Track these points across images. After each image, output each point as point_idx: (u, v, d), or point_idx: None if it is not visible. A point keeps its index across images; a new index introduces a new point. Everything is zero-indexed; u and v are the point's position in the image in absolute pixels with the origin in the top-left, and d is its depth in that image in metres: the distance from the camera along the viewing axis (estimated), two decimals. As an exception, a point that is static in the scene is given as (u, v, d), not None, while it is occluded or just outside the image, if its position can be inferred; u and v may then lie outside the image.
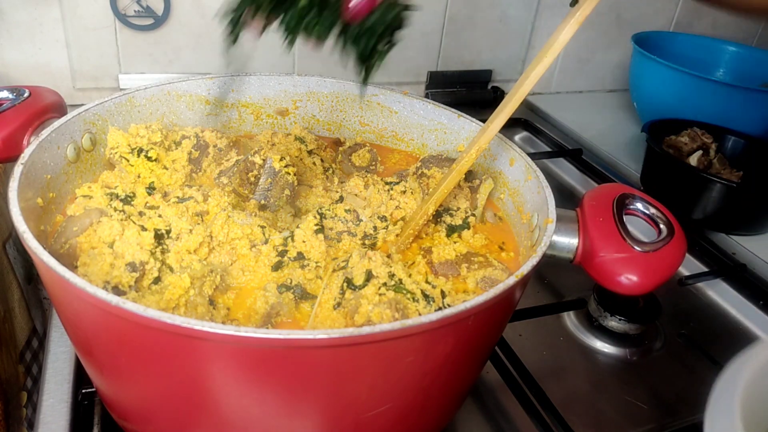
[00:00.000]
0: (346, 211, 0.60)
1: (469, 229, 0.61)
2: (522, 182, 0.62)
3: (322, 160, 0.69)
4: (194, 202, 0.56)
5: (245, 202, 0.61)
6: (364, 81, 0.53)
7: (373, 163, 0.73)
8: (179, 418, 0.47)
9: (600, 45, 1.38)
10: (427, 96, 1.22)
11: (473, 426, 0.62)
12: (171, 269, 0.50)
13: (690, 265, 0.88)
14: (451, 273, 0.56)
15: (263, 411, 0.43)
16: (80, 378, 0.59)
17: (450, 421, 0.61)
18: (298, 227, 0.56)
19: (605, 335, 0.74)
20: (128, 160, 0.61)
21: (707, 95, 1.08)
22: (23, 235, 0.43)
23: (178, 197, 0.57)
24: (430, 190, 0.63)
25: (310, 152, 0.69)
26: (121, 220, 0.52)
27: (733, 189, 0.90)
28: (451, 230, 0.61)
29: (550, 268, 0.83)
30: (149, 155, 0.61)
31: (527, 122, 1.24)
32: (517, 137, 1.24)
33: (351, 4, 0.47)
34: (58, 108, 0.62)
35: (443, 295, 0.50)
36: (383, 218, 0.61)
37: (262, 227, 0.55)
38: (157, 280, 0.49)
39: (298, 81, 0.75)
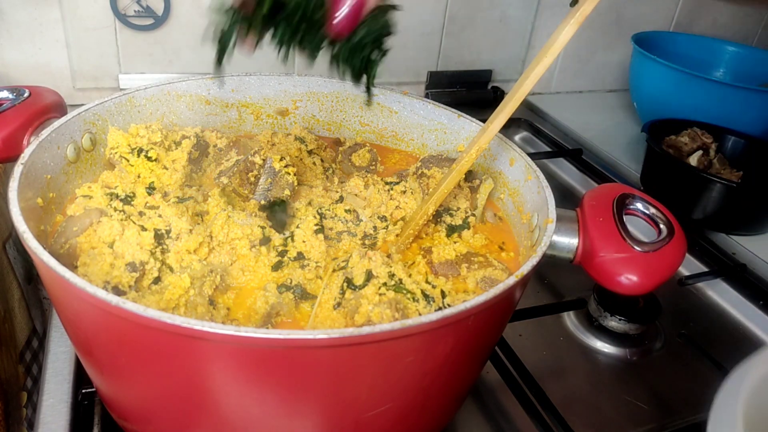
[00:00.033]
0: (346, 211, 0.60)
1: (469, 229, 0.61)
2: (522, 182, 0.62)
3: (322, 160, 0.69)
4: (194, 202, 0.56)
5: (245, 202, 0.61)
6: (368, 90, 0.53)
7: (373, 163, 0.73)
8: (179, 418, 0.47)
9: (600, 45, 1.38)
10: (427, 96, 1.22)
11: (473, 426, 0.62)
12: (171, 269, 0.50)
13: (690, 265, 0.88)
14: (451, 273, 0.56)
15: (263, 411, 0.43)
16: (80, 378, 0.59)
17: (450, 421, 0.61)
18: (298, 227, 0.56)
19: (605, 335, 0.74)
20: (128, 160, 0.61)
21: (707, 95, 1.08)
22: (23, 235, 0.43)
23: (178, 197, 0.57)
24: (430, 190, 0.63)
25: (310, 152, 0.69)
26: (121, 220, 0.52)
27: (733, 189, 0.90)
28: (451, 230, 0.61)
29: (550, 268, 0.83)
30: (149, 155, 0.61)
31: (527, 122, 1.25)
32: (517, 137, 1.24)
33: (334, 22, 0.46)
34: (58, 108, 0.62)
35: (443, 295, 0.50)
36: (383, 218, 0.61)
37: (262, 227, 0.55)
38: (157, 280, 0.49)
39: (298, 81, 0.75)
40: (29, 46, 0.96)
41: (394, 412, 0.46)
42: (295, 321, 0.49)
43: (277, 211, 0.58)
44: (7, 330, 0.70)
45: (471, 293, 0.54)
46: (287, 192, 0.61)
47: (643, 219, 0.55)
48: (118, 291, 0.47)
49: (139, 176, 0.61)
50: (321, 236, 0.55)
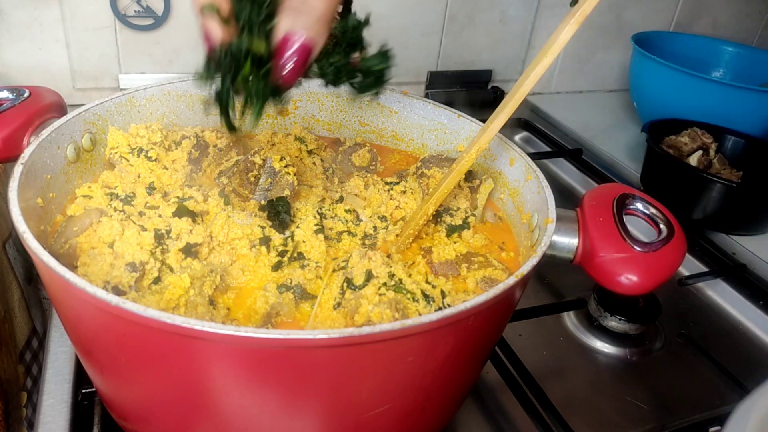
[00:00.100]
0: (346, 211, 0.60)
1: (469, 229, 0.61)
2: (522, 182, 0.62)
3: (322, 160, 0.69)
4: (194, 202, 0.56)
5: (245, 202, 0.61)
6: (376, 93, 0.53)
7: (373, 163, 0.73)
8: (179, 418, 0.47)
9: (600, 45, 1.38)
10: (427, 96, 1.22)
11: (473, 426, 0.62)
12: (171, 269, 0.50)
13: (690, 265, 0.88)
14: (451, 273, 0.56)
15: (263, 411, 0.43)
16: (80, 378, 0.59)
17: (450, 421, 0.61)
18: (298, 227, 0.56)
19: (605, 335, 0.74)
20: (128, 160, 0.61)
21: (707, 95, 1.08)
22: (23, 235, 0.43)
23: (178, 197, 0.57)
24: (430, 190, 0.63)
25: (310, 152, 0.69)
26: (121, 220, 0.52)
27: (733, 189, 0.90)
28: (451, 230, 0.61)
29: (550, 268, 0.83)
30: (149, 155, 0.61)
31: (527, 122, 1.25)
32: (517, 137, 1.24)
33: (283, 74, 0.45)
34: (58, 108, 0.62)
35: (443, 295, 0.50)
36: (383, 218, 0.61)
37: (262, 227, 0.55)
38: (157, 280, 0.49)
39: (298, 81, 0.75)
40: (29, 46, 0.96)
41: (394, 412, 0.46)
42: (295, 321, 0.49)
43: (279, 211, 0.58)
44: (7, 330, 0.70)
45: (471, 293, 0.54)
46: (287, 192, 0.61)
47: (643, 219, 0.55)
48: (118, 291, 0.47)
49: (139, 176, 0.61)
50: (321, 236, 0.55)
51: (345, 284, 0.50)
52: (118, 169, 0.61)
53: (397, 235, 0.59)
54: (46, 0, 0.93)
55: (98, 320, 0.42)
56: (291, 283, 0.51)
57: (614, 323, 0.74)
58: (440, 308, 0.48)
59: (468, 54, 1.27)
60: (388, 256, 0.55)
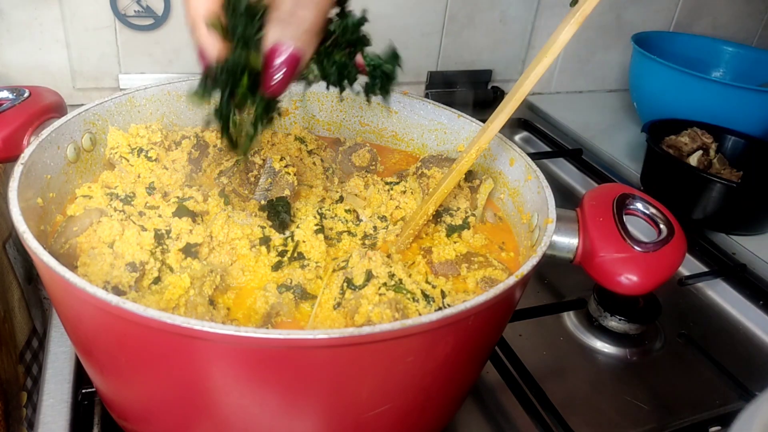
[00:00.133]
0: (346, 211, 0.60)
1: (469, 229, 0.61)
2: (522, 182, 0.62)
3: (322, 160, 0.69)
4: (194, 202, 0.56)
5: (245, 202, 0.61)
6: (386, 92, 0.53)
7: (373, 163, 0.73)
8: (179, 418, 0.47)
9: (600, 45, 1.38)
10: (427, 96, 1.22)
11: (473, 426, 0.62)
12: (171, 269, 0.50)
13: (690, 265, 0.88)
14: (451, 273, 0.56)
15: (263, 411, 0.43)
16: (80, 378, 0.59)
17: (450, 421, 0.61)
18: (298, 227, 0.56)
19: (605, 335, 0.74)
20: (128, 160, 0.61)
21: (707, 95, 1.08)
22: (23, 235, 0.43)
23: (178, 197, 0.57)
24: (430, 190, 0.63)
25: (310, 152, 0.69)
26: (121, 220, 0.52)
27: (733, 189, 0.90)
28: (451, 230, 0.61)
29: (550, 268, 0.83)
30: (149, 155, 0.61)
31: (527, 122, 1.25)
32: (517, 137, 1.24)
33: (271, 84, 0.45)
34: (58, 108, 0.62)
35: (443, 295, 0.50)
36: (383, 218, 0.61)
37: (262, 227, 0.55)
38: (157, 280, 0.49)
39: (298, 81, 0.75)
40: (29, 46, 0.96)
41: (394, 412, 0.46)
42: (295, 321, 0.49)
43: (279, 211, 0.58)
44: (7, 330, 0.70)
45: (471, 293, 0.54)
46: (287, 192, 0.61)
47: (643, 219, 0.55)
48: (118, 291, 0.47)
49: (139, 176, 0.61)
50: (321, 236, 0.55)
51: (345, 284, 0.50)
52: (118, 169, 0.61)
53: (397, 235, 0.60)
54: (46, 0, 0.93)
55: (98, 320, 0.42)
56: (291, 283, 0.51)
57: (614, 323, 0.74)
58: (440, 308, 0.48)
59: (468, 54, 1.27)
60: (388, 256, 0.55)
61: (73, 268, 0.48)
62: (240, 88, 0.46)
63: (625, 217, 0.53)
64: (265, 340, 0.36)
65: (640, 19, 1.37)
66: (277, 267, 0.53)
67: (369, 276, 0.50)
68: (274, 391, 0.42)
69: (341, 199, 0.63)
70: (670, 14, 1.42)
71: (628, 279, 0.49)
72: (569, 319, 0.76)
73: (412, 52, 1.21)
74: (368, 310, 0.46)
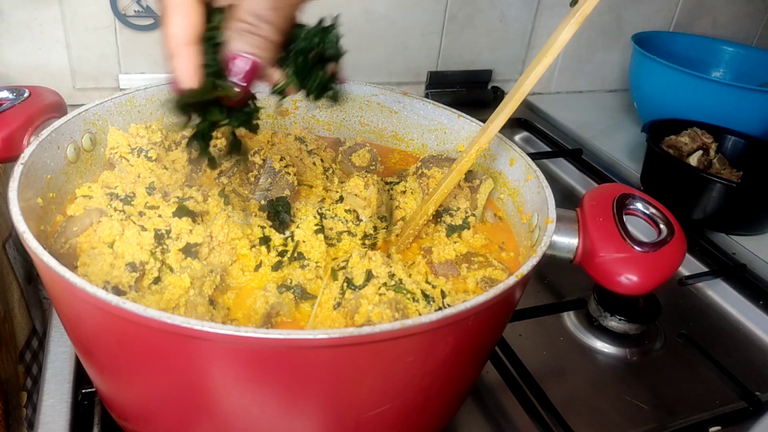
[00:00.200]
0: (346, 211, 0.60)
1: (469, 229, 0.61)
2: (522, 182, 0.62)
3: (322, 160, 0.69)
4: (194, 202, 0.56)
5: (245, 202, 0.61)
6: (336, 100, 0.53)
7: (373, 163, 0.73)
8: (179, 418, 0.47)
9: (600, 45, 1.38)
10: (427, 96, 1.22)
11: (473, 426, 0.62)
12: (171, 269, 0.50)
13: (690, 265, 0.88)
14: (451, 273, 0.56)
15: (263, 411, 0.43)
16: (80, 378, 0.59)
17: (450, 421, 0.61)
18: (298, 227, 0.56)
19: (605, 335, 0.74)
20: (128, 160, 0.61)
21: (707, 95, 1.08)
22: (23, 235, 0.43)
23: (178, 197, 0.57)
24: (430, 190, 0.63)
25: (310, 152, 0.69)
26: (121, 220, 0.52)
27: (733, 189, 0.90)
28: (451, 230, 0.61)
29: (550, 268, 0.83)
30: (149, 155, 0.61)
31: (527, 122, 1.25)
32: (517, 137, 1.24)
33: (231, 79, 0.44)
34: (58, 108, 0.62)
35: (443, 295, 0.50)
36: (383, 218, 0.61)
37: (262, 227, 0.55)
38: (157, 280, 0.49)
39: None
40: (29, 46, 0.96)
41: (394, 412, 0.46)
42: (295, 321, 0.49)
43: (279, 211, 0.58)
44: (7, 330, 0.70)
45: (471, 293, 0.54)
46: (287, 192, 0.61)
47: (643, 219, 0.55)
48: (118, 291, 0.47)
49: (139, 176, 0.61)
50: (321, 236, 0.55)
51: (345, 284, 0.50)
52: (118, 169, 0.61)
53: (397, 235, 0.59)
54: (46, 0, 0.93)
55: (98, 320, 0.42)
56: (291, 283, 0.51)
57: (614, 323, 0.74)
58: (440, 308, 0.48)
59: (468, 54, 1.27)
60: (388, 256, 0.55)
61: (73, 268, 0.48)
62: (211, 115, 0.47)
63: (625, 217, 0.53)
64: (265, 340, 0.36)
65: (640, 19, 1.38)
66: (277, 267, 0.53)
67: (369, 276, 0.50)
68: (274, 391, 0.42)
69: (341, 199, 0.63)
70: (670, 14, 1.42)
71: (628, 279, 0.49)
72: (569, 319, 0.76)
73: (412, 52, 1.21)
74: (368, 310, 0.46)
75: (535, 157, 1.10)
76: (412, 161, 0.74)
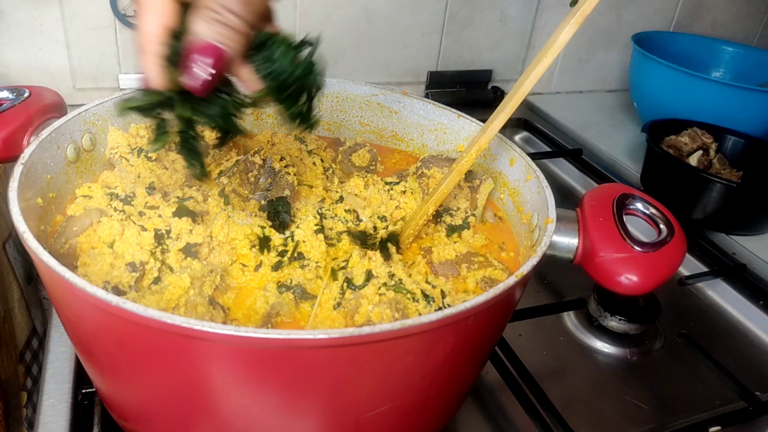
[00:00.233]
0: (346, 211, 0.60)
1: (469, 229, 0.61)
2: (522, 182, 0.62)
3: (322, 160, 0.69)
4: (194, 202, 0.56)
5: (245, 202, 0.61)
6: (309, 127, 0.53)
7: (373, 163, 0.73)
8: (179, 418, 0.47)
9: (600, 45, 1.38)
10: (427, 96, 1.22)
11: (473, 426, 0.62)
12: (171, 269, 0.50)
13: (690, 265, 0.88)
14: (451, 273, 0.56)
15: (263, 411, 0.43)
16: (80, 378, 0.59)
17: (450, 421, 0.61)
18: (298, 227, 0.56)
19: (605, 335, 0.74)
20: (128, 160, 0.61)
21: (707, 95, 1.08)
22: (23, 235, 0.43)
23: (178, 197, 0.57)
24: (430, 190, 0.63)
25: (310, 152, 0.69)
26: (121, 220, 0.52)
27: (733, 189, 0.90)
28: (451, 230, 0.61)
29: (550, 268, 0.83)
30: (149, 155, 0.61)
31: (527, 122, 1.25)
32: (517, 137, 1.24)
33: (190, 82, 0.44)
34: (58, 108, 0.62)
35: (443, 295, 0.50)
36: (383, 218, 0.61)
37: (262, 227, 0.55)
38: (157, 280, 0.49)
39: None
40: (29, 46, 0.96)
41: (394, 412, 0.46)
42: (295, 321, 0.49)
43: (279, 211, 0.58)
44: (7, 330, 0.70)
45: (471, 293, 0.54)
46: (287, 192, 0.61)
47: (643, 219, 0.55)
48: (118, 291, 0.47)
49: (139, 176, 0.61)
50: (321, 236, 0.55)
51: (345, 284, 0.50)
52: (118, 169, 0.61)
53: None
54: (46, 0, 0.93)
55: (98, 320, 0.42)
56: (291, 283, 0.51)
57: (614, 323, 0.74)
58: (440, 308, 0.48)
59: (468, 54, 1.27)
60: (388, 256, 0.55)
61: (73, 268, 0.48)
62: (178, 110, 0.46)
63: (625, 217, 0.53)
64: (265, 340, 0.36)
65: (640, 19, 1.38)
66: (277, 267, 0.53)
67: (369, 276, 0.50)
68: (274, 391, 0.42)
69: (341, 199, 0.63)
70: (670, 14, 1.42)
71: (628, 279, 0.49)
72: (569, 319, 0.76)
73: (412, 52, 1.21)
74: (368, 310, 0.46)
75: (535, 157, 1.10)
76: (412, 161, 0.74)
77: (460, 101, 1.26)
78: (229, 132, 0.53)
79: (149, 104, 0.46)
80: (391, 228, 0.59)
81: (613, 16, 1.35)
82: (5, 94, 0.60)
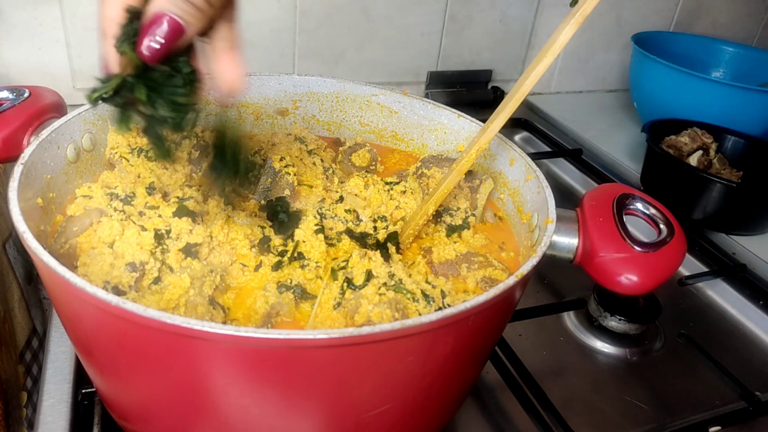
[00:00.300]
0: (346, 211, 0.60)
1: (469, 229, 0.61)
2: (522, 182, 0.62)
3: (322, 160, 0.69)
4: (194, 202, 0.56)
5: (245, 202, 0.61)
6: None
7: (373, 163, 0.73)
8: (179, 418, 0.47)
9: (600, 45, 1.38)
10: (427, 96, 1.22)
11: (473, 426, 0.62)
12: (171, 269, 0.50)
13: (690, 265, 0.88)
14: (451, 273, 0.56)
15: (263, 411, 0.43)
16: (80, 378, 0.59)
17: (450, 421, 0.61)
18: (298, 227, 0.56)
19: (605, 335, 0.74)
20: (128, 160, 0.61)
21: (707, 95, 1.08)
22: (23, 235, 0.43)
23: (178, 197, 0.57)
24: (430, 190, 0.63)
25: (310, 152, 0.69)
26: (121, 220, 0.52)
27: (733, 189, 0.90)
28: (451, 230, 0.61)
29: (550, 268, 0.83)
30: (149, 155, 0.61)
31: (527, 122, 1.25)
32: (517, 137, 1.24)
33: (142, 50, 0.44)
34: (58, 108, 0.62)
35: (443, 295, 0.50)
36: (383, 218, 0.61)
37: (262, 227, 0.55)
38: (157, 280, 0.49)
39: (298, 81, 0.75)
40: (29, 46, 0.96)
41: (394, 412, 0.46)
42: (295, 321, 0.49)
43: (279, 211, 0.58)
44: (7, 330, 0.70)
45: (471, 293, 0.54)
46: (287, 192, 0.61)
47: (643, 219, 0.55)
48: (118, 291, 0.47)
49: (139, 176, 0.61)
50: (321, 236, 0.55)
51: (345, 284, 0.50)
52: (118, 169, 0.61)
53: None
54: (46, 0, 0.93)
55: (98, 320, 0.42)
56: (291, 283, 0.51)
57: (614, 323, 0.74)
58: (440, 308, 0.48)
59: (468, 54, 1.27)
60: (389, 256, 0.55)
61: (73, 268, 0.48)
62: (139, 93, 0.46)
63: (625, 217, 0.53)
64: (265, 340, 0.36)
65: (640, 19, 1.38)
66: (277, 267, 0.53)
67: (369, 276, 0.50)
68: (274, 391, 0.42)
69: (341, 199, 0.63)
70: (670, 14, 1.42)
71: (628, 279, 0.49)
72: (569, 319, 0.76)
73: (412, 52, 1.21)
74: (368, 310, 0.46)
75: (535, 157, 1.10)
76: (412, 161, 0.74)
77: (460, 101, 1.26)
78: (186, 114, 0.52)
79: (111, 89, 0.47)
80: (391, 228, 0.59)
81: (613, 16, 1.35)
82: (5, 94, 0.60)
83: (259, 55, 1.05)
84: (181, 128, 0.49)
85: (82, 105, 0.61)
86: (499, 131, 0.58)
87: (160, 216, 0.54)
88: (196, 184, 0.63)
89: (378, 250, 0.54)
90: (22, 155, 0.52)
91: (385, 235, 0.58)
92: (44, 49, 0.97)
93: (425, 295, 0.49)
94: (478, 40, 1.25)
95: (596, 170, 1.07)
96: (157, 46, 0.43)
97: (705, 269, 0.87)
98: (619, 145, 1.20)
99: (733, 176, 1.00)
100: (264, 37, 1.05)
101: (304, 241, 0.54)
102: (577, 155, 1.11)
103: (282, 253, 0.54)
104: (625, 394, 0.68)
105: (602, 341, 0.74)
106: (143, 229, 0.51)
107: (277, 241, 0.55)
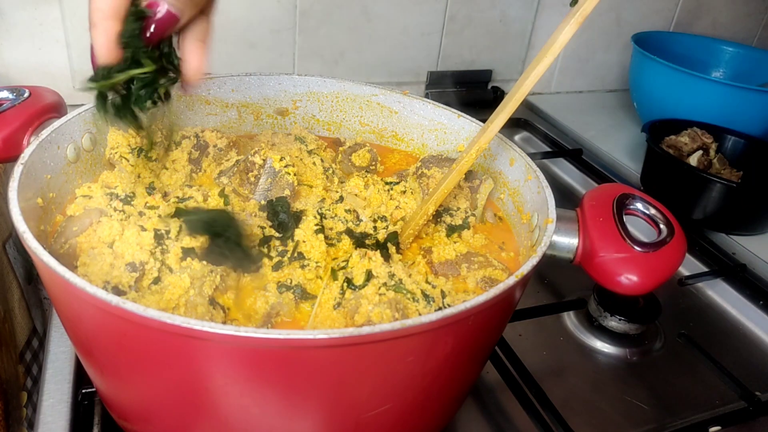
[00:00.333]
0: (346, 211, 0.60)
1: (469, 229, 0.61)
2: (522, 182, 0.62)
3: (322, 160, 0.69)
4: (194, 202, 0.56)
5: (245, 202, 0.61)
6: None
7: (373, 163, 0.73)
8: (179, 418, 0.47)
9: (600, 45, 1.38)
10: (427, 96, 1.22)
11: (473, 426, 0.62)
12: (171, 269, 0.50)
13: (690, 265, 0.88)
14: (451, 273, 0.56)
15: (263, 411, 0.43)
16: (80, 378, 0.59)
17: (450, 421, 0.61)
18: (298, 227, 0.56)
19: (605, 335, 0.74)
20: (128, 160, 0.61)
21: (707, 95, 1.08)
22: (23, 235, 0.43)
23: (178, 197, 0.57)
24: (430, 190, 0.63)
25: (310, 152, 0.69)
26: (121, 220, 0.52)
27: (733, 189, 0.90)
28: (451, 230, 0.61)
29: (550, 268, 0.83)
30: (149, 155, 0.61)
31: (527, 122, 1.25)
32: (517, 137, 1.24)
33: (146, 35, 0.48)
34: (58, 108, 0.62)
35: (443, 295, 0.50)
36: (383, 218, 0.61)
37: (262, 227, 0.55)
38: (157, 280, 0.49)
39: (298, 81, 0.75)
40: (29, 46, 0.96)
41: (394, 412, 0.46)
42: (295, 321, 0.49)
43: (279, 212, 0.58)
44: (7, 330, 0.70)
45: (471, 293, 0.54)
46: (287, 192, 0.61)
47: (643, 219, 0.55)
48: (118, 291, 0.47)
49: (139, 176, 0.61)
50: (321, 236, 0.55)
51: (345, 284, 0.50)
52: (118, 169, 0.61)
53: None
54: (46, 0, 0.93)
55: (98, 320, 0.42)
56: (291, 283, 0.51)
57: (614, 323, 0.74)
58: (440, 308, 0.48)
59: (468, 54, 1.27)
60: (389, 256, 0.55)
61: (73, 268, 0.48)
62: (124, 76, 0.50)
63: (625, 217, 0.53)
64: (265, 340, 0.36)
65: (640, 19, 1.38)
66: (277, 267, 0.53)
67: (369, 276, 0.50)
68: (274, 391, 0.42)
69: (341, 199, 0.63)
70: (670, 14, 1.42)
71: (628, 279, 0.49)
72: (569, 319, 0.76)
73: (412, 52, 1.21)
74: (368, 310, 0.46)
75: (535, 157, 1.10)
76: (412, 161, 0.74)
77: (460, 101, 1.26)
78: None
79: (110, 85, 0.50)
80: (391, 228, 0.59)
81: (613, 16, 1.35)
82: (5, 94, 0.60)
83: (259, 55, 1.05)
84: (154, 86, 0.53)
85: (82, 105, 0.61)
86: (499, 131, 0.57)
87: (160, 216, 0.54)
88: (196, 184, 0.63)
89: (378, 250, 0.54)
90: (22, 155, 0.52)
91: (385, 235, 0.58)
92: (44, 49, 0.97)
93: (425, 295, 0.49)
94: (478, 40, 1.25)
95: (596, 170, 1.07)
96: (152, 34, 0.48)
97: (705, 269, 0.87)
98: (619, 145, 1.20)
99: (733, 176, 1.00)
100: (264, 37, 1.05)
101: (304, 241, 0.54)
102: (577, 155, 1.11)
103: (282, 253, 0.54)
104: (625, 394, 0.68)
105: (602, 341, 0.74)
106: (143, 229, 0.51)
107: (277, 241, 0.55)
